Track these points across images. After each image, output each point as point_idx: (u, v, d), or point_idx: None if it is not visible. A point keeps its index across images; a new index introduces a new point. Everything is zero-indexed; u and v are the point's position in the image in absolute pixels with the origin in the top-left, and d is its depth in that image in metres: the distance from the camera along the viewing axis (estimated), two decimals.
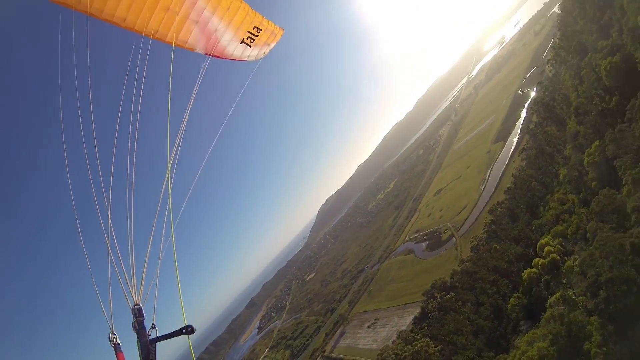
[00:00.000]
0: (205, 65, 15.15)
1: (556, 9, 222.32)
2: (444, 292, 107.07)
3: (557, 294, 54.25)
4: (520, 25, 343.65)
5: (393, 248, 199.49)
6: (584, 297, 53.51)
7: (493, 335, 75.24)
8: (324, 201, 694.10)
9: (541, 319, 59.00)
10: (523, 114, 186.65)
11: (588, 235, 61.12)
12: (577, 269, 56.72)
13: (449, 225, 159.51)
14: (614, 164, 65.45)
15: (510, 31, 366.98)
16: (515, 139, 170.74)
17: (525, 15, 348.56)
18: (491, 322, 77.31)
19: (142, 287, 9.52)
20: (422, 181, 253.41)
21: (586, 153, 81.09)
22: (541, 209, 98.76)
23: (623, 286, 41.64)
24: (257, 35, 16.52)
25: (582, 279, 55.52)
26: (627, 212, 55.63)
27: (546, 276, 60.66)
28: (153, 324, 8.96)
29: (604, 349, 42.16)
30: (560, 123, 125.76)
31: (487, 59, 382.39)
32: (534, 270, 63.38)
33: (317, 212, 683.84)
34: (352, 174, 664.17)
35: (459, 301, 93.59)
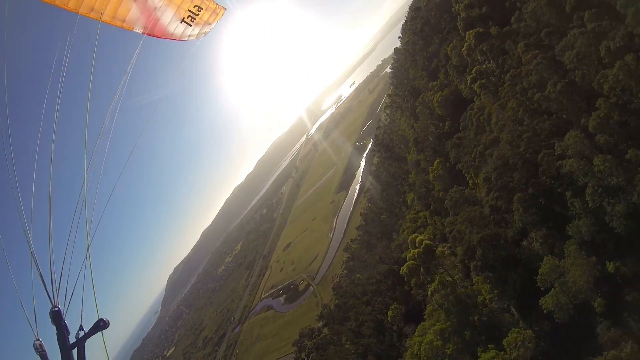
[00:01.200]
0: (140, 45, 15.39)
1: (388, 69, 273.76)
2: (316, 333, 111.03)
3: (436, 282, 61.86)
4: (356, 85, 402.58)
5: (251, 307, 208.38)
6: (460, 275, 62.52)
7: (381, 348, 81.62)
8: (171, 271, 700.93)
9: (424, 315, 66.06)
10: (362, 162, 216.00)
11: (447, 229, 72.55)
12: (448, 251, 66.44)
13: (304, 275, 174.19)
14: (457, 167, 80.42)
15: (346, 91, 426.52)
16: (357, 186, 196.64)
17: (360, 76, 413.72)
18: (375, 338, 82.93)
19: (59, 289, 9.67)
20: (270, 238, 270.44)
21: (430, 170, 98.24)
22: (394, 235, 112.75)
23: (492, 241, 51.07)
24: (197, 14, 16.93)
25: (455, 260, 65.08)
26: (477, 199, 68.92)
27: (423, 266, 68.84)
28: (81, 326, 9.10)
29: (495, 291, 50.34)
30: (399, 160, 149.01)
31: (325, 117, 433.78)
32: (411, 262, 70.78)
33: (165, 282, 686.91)
34: (198, 239, 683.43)
35: (335, 335, 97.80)
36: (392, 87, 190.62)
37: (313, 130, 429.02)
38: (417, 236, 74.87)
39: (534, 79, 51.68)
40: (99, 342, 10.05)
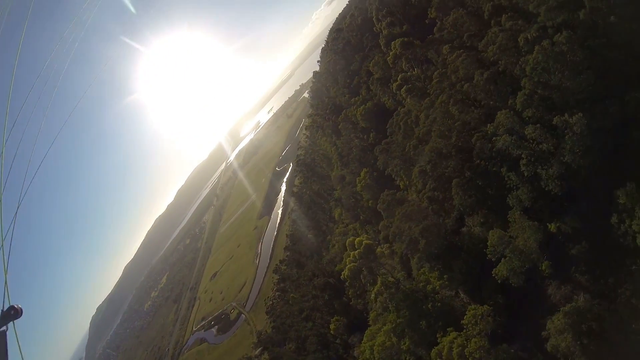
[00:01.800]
0: None
1: (306, 94, 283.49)
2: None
3: (378, 284, 62.57)
4: (274, 110, 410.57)
5: (183, 342, 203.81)
6: (403, 273, 63.87)
7: None
8: (94, 311, 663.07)
9: (369, 321, 66.39)
10: (283, 186, 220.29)
11: (381, 233, 74.61)
12: (387, 250, 67.80)
13: (234, 304, 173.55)
14: (386, 172, 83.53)
15: (264, 117, 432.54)
16: (280, 210, 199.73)
17: (278, 102, 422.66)
18: (321, 352, 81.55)
19: None
20: (195, 269, 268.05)
21: (357, 181, 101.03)
22: (324, 252, 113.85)
23: (434, 230, 53.42)
24: None
25: (395, 256, 66.48)
26: (410, 200, 71.93)
27: (365, 267, 69.48)
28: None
29: (445, 276, 52.41)
30: (322, 178, 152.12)
31: (244, 143, 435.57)
32: (352, 265, 71.05)
33: (88, 325, 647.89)
34: (120, 275, 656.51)
35: (277, 359, 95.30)
36: (312, 109, 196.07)
37: (232, 157, 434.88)
38: (355, 238, 75.98)
39: (461, 73, 55.91)
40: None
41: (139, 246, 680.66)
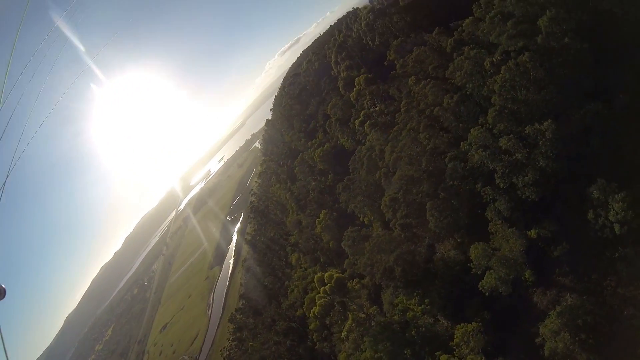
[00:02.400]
0: None
1: (257, 144, 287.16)
2: None
3: (350, 321, 59.57)
4: (225, 159, 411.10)
5: None
6: (375, 307, 61.41)
7: None
8: None
9: None
10: (234, 236, 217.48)
11: (347, 272, 72.83)
12: (358, 285, 65.49)
13: (186, 357, 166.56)
14: (349, 210, 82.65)
15: (215, 165, 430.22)
16: (232, 260, 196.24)
17: (229, 151, 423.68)
18: None
19: None
20: (144, 320, 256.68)
21: (317, 222, 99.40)
22: (282, 299, 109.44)
23: (408, 257, 52.32)
24: None
25: (365, 292, 64.21)
26: (374, 236, 70.92)
27: (337, 301, 66.23)
28: None
29: (426, 300, 50.73)
30: (277, 224, 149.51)
31: (194, 192, 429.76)
32: (322, 301, 67.62)
33: None
34: (60, 327, 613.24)
35: None
36: (264, 156, 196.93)
37: (183, 206, 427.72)
38: (324, 273, 73.43)
39: (430, 99, 57.36)
40: None
41: (82, 295, 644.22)
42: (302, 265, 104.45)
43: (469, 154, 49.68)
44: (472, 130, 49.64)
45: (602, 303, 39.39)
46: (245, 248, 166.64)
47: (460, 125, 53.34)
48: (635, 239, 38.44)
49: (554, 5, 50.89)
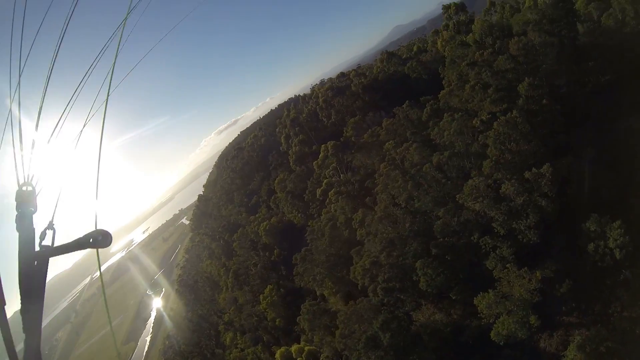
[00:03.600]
0: None
1: (184, 220, 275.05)
2: None
3: None
4: (150, 232, 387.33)
5: None
6: None
7: None
8: None
9: None
10: (153, 313, 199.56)
11: (305, 349, 63.51)
12: None
13: None
14: (302, 284, 75.05)
15: (139, 236, 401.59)
16: (148, 338, 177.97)
17: (154, 223, 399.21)
18: None
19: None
20: None
21: (262, 299, 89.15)
22: None
23: (394, 322, 45.55)
24: None
25: None
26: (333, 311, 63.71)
27: None
28: (51, 223, 4.39)
29: None
30: (207, 301, 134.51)
31: (113, 260, 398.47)
32: None
33: None
34: None
35: None
36: (195, 231, 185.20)
37: (99, 273, 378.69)
38: (289, 348, 62.89)
39: (416, 159, 55.22)
40: None
41: None
42: (239, 345, 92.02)
43: (466, 204, 48.63)
44: (469, 181, 49.01)
45: (612, 329, 39.69)
46: (168, 325, 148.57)
47: (449, 182, 52.00)
48: (633, 261, 40.83)
49: (527, 74, 57.46)
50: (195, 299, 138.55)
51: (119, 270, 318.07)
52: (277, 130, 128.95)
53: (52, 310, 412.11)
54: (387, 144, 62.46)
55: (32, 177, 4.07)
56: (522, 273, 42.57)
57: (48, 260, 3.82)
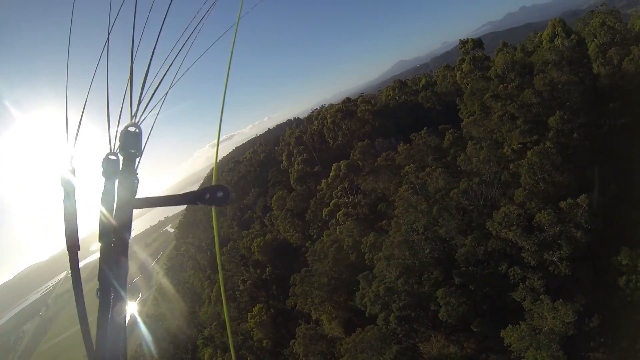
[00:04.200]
0: None
1: (169, 228, 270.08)
2: None
3: None
4: (133, 234, 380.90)
5: None
6: None
7: None
8: None
9: None
10: (127, 317, 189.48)
11: None
12: None
13: None
14: (297, 306, 71.16)
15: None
16: None
17: (138, 227, 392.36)
18: None
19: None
20: None
21: (249, 317, 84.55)
22: None
23: (408, 353, 42.39)
24: None
25: None
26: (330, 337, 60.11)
27: None
28: (135, 172, 3.17)
29: None
30: (188, 313, 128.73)
31: (91, 258, 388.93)
32: None
33: None
34: None
35: None
36: (180, 240, 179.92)
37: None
38: None
39: (440, 184, 53.17)
40: None
41: None
42: None
43: (495, 232, 47.23)
44: (500, 209, 47.61)
45: None
46: (142, 332, 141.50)
47: (475, 209, 50.27)
48: None
49: (552, 109, 58.63)
50: (174, 308, 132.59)
51: (96, 269, 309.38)
52: (278, 147, 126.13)
53: (23, 301, 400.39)
54: (406, 167, 59.97)
55: (140, 118, 3.14)
56: (557, 305, 40.37)
57: (132, 212, 2.84)
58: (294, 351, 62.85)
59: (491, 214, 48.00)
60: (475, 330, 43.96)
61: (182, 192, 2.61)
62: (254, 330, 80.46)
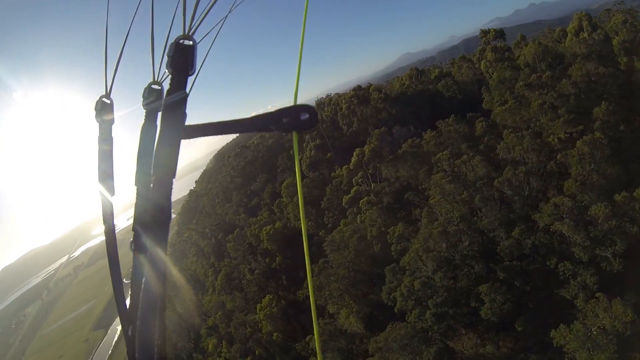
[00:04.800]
0: None
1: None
2: None
3: None
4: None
5: None
6: None
7: None
8: None
9: None
10: (128, 302, 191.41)
11: None
12: None
13: None
14: (319, 300, 67.60)
15: (123, 222, 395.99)
16: (119, 327, 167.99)
17: None
18: None
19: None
20: None
21: (258, 308, 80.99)
22: None
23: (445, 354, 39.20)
24: None
25: None
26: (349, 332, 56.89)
27: None
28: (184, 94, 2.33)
29: None
30: (190, 300, 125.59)
31: (93, 242, 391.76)
32: None
33: None
34: None
35: None
36: (183, 225, 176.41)
37: (77, 253, 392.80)
38: None
39: (481, 171, 49.83)
40: None
41: None
42: (224, 354, 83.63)
43: (544, 226, 44.30)
44: (551, 200, 44.78)
45: None
46: None
47: (519, 199, 47.13)
48: None
49: (590, 101, 56.62)
50: (175, 296, 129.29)
51: (97, 254, 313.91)
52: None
53: (24, 284, 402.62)
54: (439, 154, 56.25)
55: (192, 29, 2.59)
56: (615, 303, 37.55)
57: (178, 145, 2.38)
58: (310, 346, 59.58)
59: (536, 205, 44.49)
60: (519, 329, 40.63)
61: (255, 115, 2.12)
62: (263, 322, 77.00)
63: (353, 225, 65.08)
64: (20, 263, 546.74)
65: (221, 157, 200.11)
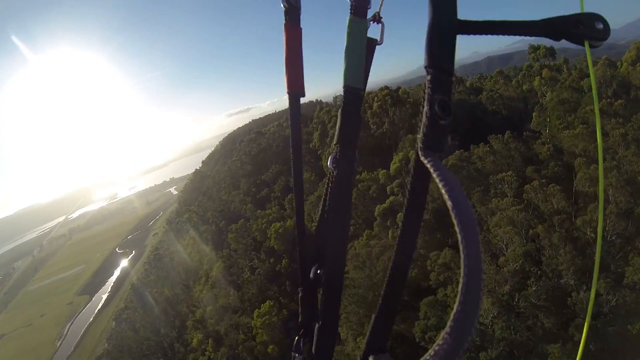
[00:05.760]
0: None
1: (173, 190, 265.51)
2: None
3: None
4: (136, 190, 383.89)
5: None
6: None
7: None
8: None
9: None
10: (117, 272, 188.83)
11: None
12: None
13: None
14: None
15: (124, 191, 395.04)
16: (105, 296, 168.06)
17: (142, 184, 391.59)
18: None
19: None
20: None
21: (256, 314, 73.40)
22: None
23: None
24: None
25: None
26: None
27: None
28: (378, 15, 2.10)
29: None
30: (180, 285, 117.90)
31: (92, 207, 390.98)
32: None
33: None
34: None
35: None
36: (184, 206, 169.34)
37: (75, 215, 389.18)
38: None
39: (558, 204, 42.29)
40: None
41: None
42: (208, 354, 76.21)
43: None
44: None
45: None
46: (127, 291, 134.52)
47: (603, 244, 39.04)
48: None
49: None
50: (165, 277, 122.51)
51: (94, 219, 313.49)
52: (311, 124, 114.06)
53: (19, 238, 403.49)
54: (501, 174, 48.57)
55: None
56: None
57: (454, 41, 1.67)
58: None
59: (617, 254, 36.74)
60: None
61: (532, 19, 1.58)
62: (259, 330, 69.30)
63: (383, 242, 57.34)
64: (17, 216, 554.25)
65: (232, 140, 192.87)
